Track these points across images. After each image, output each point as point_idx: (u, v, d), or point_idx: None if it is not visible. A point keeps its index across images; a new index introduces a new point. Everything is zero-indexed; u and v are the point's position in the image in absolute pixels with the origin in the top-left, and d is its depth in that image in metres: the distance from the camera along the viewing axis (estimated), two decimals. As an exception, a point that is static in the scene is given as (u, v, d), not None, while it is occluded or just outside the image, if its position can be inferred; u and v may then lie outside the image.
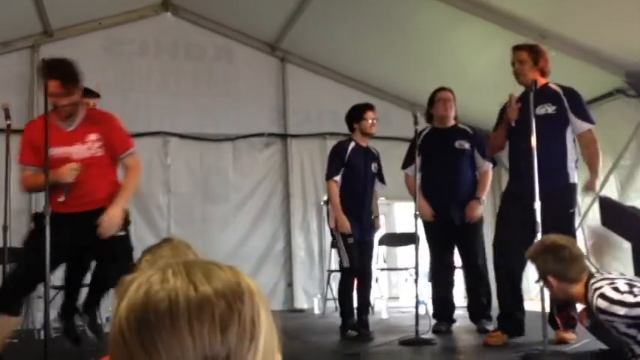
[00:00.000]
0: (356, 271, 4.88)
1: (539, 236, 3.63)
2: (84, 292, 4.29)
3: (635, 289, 2.70)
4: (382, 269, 6.95)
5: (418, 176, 4.92)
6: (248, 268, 6.55)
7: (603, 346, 3.34)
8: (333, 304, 6.48)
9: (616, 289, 2.73)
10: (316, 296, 6.91)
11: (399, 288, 8.04)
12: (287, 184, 7.39)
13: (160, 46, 7.15)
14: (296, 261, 7.24)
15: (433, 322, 4.95)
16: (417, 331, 4.30)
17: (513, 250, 4.18)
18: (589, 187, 4.19)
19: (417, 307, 4.43)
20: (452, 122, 5.16)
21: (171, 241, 1.90)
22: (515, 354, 3.75)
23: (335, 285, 5.72)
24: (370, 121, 5.02)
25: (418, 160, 4.93)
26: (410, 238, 5.44)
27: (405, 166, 5.18)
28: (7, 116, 4.29)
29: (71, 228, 3.64)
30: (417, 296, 4.53)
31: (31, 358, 4.05)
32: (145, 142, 6.36)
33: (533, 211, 3.80)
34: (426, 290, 5.73)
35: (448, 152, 5.03)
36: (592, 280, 2.87)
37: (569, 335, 4.09)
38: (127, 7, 6.93)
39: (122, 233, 3.78)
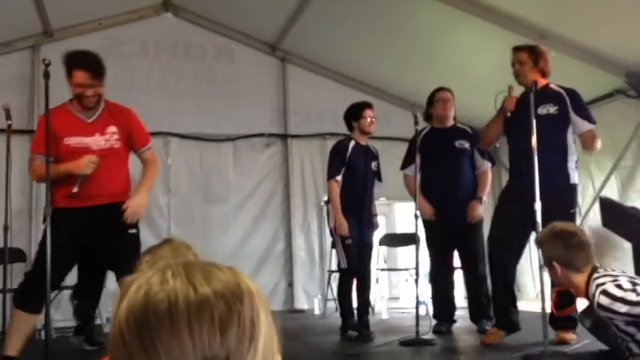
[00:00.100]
0: (355, 272, 4.88)
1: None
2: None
3: (638, 288, 2.70)
4: (382, 270, 6.95)
5: (418, 176, 4.92)
6: (248, 269, 6.56)
7: (604, 347, 3.34)
8: (333, 305, 6.48)
9: (619, 287, 2.73)
10: (317, 297, 6.91)
11: (400, 288, 8.03)
12: (287, 184, 7.39)
13: (161, 46, 7.15)
14: (296, 261, 7.24)
15: (433, 322, 4.95)
16: (417, 332, 4.30)
17: (507, 247, 4.19)
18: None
19: (417, 308, 4.43)
20: (451, 122, 5.16)
21: (172, 241, 1.90)
22: (515, 354, 3.75)
23: (335, 285, 5.72)
24: (369, 120, 5.02)
25: (418, 159, 4.93)
26: (410, 239, 5.44)
27: (404, 166, 5.18)
28: (8, 116, 4.30)
29: (82, 223, 3.66)
30: (417, 297, 4.53)
31: (31, 359, 4.04)
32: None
33: (532, 211, 3.80)
34: (426, 291, 5.73)
35: (448, 152, 5.03)
36: (595, 275, 2.87)
37: (569, 336, 4.08)
38: (127, 8, 6.93)
39: (133, 231, 3.80)
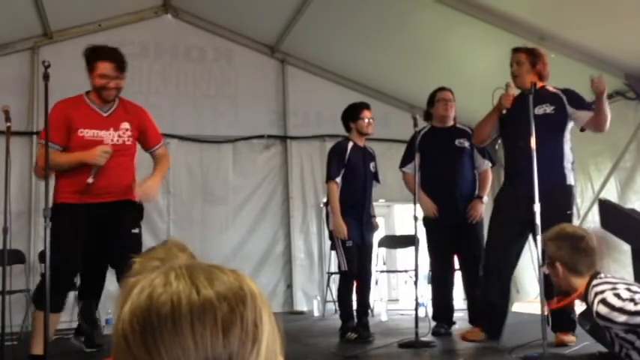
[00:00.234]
0: (355, 274, 4.88)
1: (538, 238, 3.63)
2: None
3: (637, 297, 2.69)
4: (382, 271, 6.94)
5: (418, 175, 4.92)
6: (248, 270, 6.54)
7: (603, 349, 3.34)
8: (332, 307, 6.48)
9: (617, 296, 2.72)
10: (316, 298, 6.91)
11: (399, 290, 8.03)
12: (287, 186, 7.39)
13: (160, 47, 7.16)
14: (295, 263, 7.24)
15: (433, 324, 4.94)
16: (416, 334, 4.30)
17: (506, 250, 4.17)
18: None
19: (416, 310, 4.43)
20: (451, 122, 5.17)
21: (166, 243, 1.90)
22: (514, 356, 3.75)
23: (334, 287, 5.72)
24: (367, 121, 5.02)
25: (417, 158, 4.93)
26: (409, 240, 5.44)
27: (403, 164, 5.16)
28: (7, 118, 4.30)
29: (89, 220, 3.67)
30: (416, 298, 4.53)
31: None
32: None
33: (530, 212, 3.81)
34: (425, 292, 5.73)
35: (449, 150, 5.03)
36: (595, 281, 2.86)
37: (568, 338, 4.08)
38: (126, 9, 6.93)
39: (136, 231, 3.81)
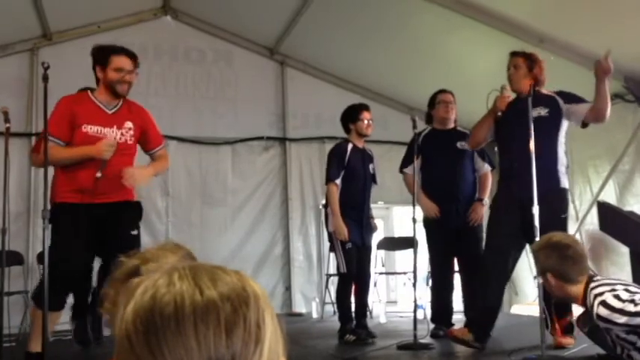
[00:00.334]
0: (354, 276, 4.87)
1: (537, 239, 3.63)
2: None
3: (637, 298, 2.69)
4: (380, 273, 6.94)
5: (418, 177, 4.91)
6: (246, 272, 6.55)
7: (601, 351, 3.34)
8: (331, 308, 6.48)
9: (617, 297, 2.72)
10: (314, 300, 6.91)
11: (398, 292, 8.03)
12: (286, 187, 7.39)
13: (160, 49, 7.16)
14: (294, 265, 7.24)
15: (431, 326, 4.94)
16: (415, 336, 4.30)
17: (504, 254, 4.14)
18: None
19: (415, 312, 4.43)
20: (452, 124, 5.17)
21: (164, 244, 1.89)
22: (513, 358, 3.75)
23: (333, 289, 5.71)
24: (366, 122, 5.02)
25: (419, 160, 4.93)
26: (408, 243, 5.44)
27: (404, 165, 5.15)
28: (6, 119, 4.30)
29: (90, 221, 3.66)
30: (415, 300, 4.53)
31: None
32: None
33: (524, 215, 3.82)
34: (424, 295, 5.72)
35: (449, 152, 5.03)
36: (592, 284, 2.87)
37: (567, 340, 4.08)
38: (126, 11, 6.94)
39: (135, 232, 3.81)
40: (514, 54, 4.32)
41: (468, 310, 5.04)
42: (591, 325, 3.02)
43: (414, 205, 4.65)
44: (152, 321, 0.68)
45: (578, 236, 5.95)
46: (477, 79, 6.13)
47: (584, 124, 4.21)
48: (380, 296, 6.83)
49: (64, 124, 3.71)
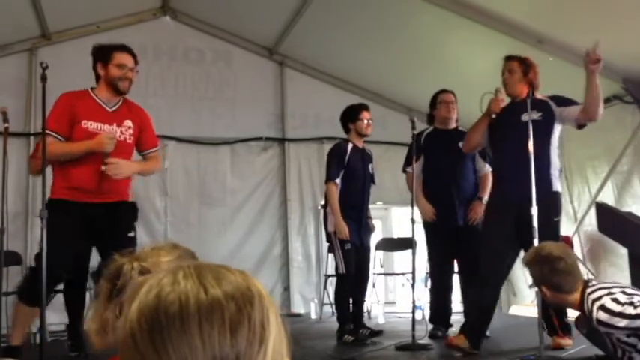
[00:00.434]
0: (353, 276, 4.87)
1: (535, 242, 3.63)
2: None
3: (635, 300, 2.69)
4: (379, 274, 6.94)
5: (420, 177, 4.90)
6: (245, 272, 6.55)
7: (599, 352, 3.34)
8: (329, 309, 6.48)
9: (615, 300, 2.72)
10: (313, 301, 6.90)
11: (396, 293, 8.03)
12: (284, 188, 7.39)
13: (159, 49, 7.15)
14: (293, 265, 7.24)
15: (430, 326, 4.94)
16: (413, 336, 4.30)
17: (499, 259, 4.13)
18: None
19: (413, 312, 4.43)
20: (454, 124, 5.17)
21: (160, 244, 1.88)
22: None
23: (332, 289, 5.72)
24: (366, 122, 5.02)
25: (421, 160, 4.93)
26: (407, 243, 5.45)
27: (407, 164, 5.14)
28: (5, 119, 4.29)
29: (87, 220, 3.65)
30: (413, 301, 4.53)
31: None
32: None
33: (521, 217, 3.83)
34: (422, 295, 5.72)
35: (451, 152, 5.01)
36: (588, 290, 2.86)
37: (565, 341, 4.08)
38: (125, 11, 6.93)
39: (132, 234, 3.81)
40: (509, 58, 4.33)
41: (466, 313, 5.04)
42: (589, 325, 3.02)
43: (412, 206, 4.65)
44: (157, 319, 0.68)
45: (576, 237, 5.96)
46: (475, 80, 6.13)
47: (580, 126, 4.21)
48: (378, 297, 6.83)
49: (64, 120, 3.71)
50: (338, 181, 4.91)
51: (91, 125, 3.73)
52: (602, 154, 5.78)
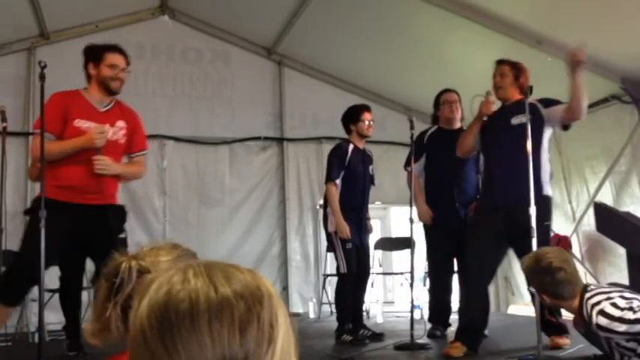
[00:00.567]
0: (354, 276, 4.88)
1: (534, 242, 3.63)
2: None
3: (635, 305, 2.69)
4: (377, 273, 6.94)
5: (421, 177, 4.89)
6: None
7: (598, 352, 3.35)
8: (328, 309, 6.49)
9: (615, 305, 2.72)
10: (311, 300, 6.90)
11: (395, 292, 8.03)
12: (283, 187, 7.39)
13: (157, 49, 7.15)
14: (291, 265, 7.24)
15: (428, 326, 4.94)
16: (412, 336, 4.30)
17: (486, 262, 4.13)
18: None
19: (412, 312, 4.43)
20: (458, 124, 5.15)
21: (160, 244, 1.88)
22: (509, 359, 3.76)
23: (330, 289, 5.72)
24: (367, 123, 5.02)
25: (423, 160, 4.92)
26: (405, 243, 5.44)
27: (408, 163, 5.13)
28: (3, 119, 4.30)
29: (77, 222, 3.64)
30: (412, 301, 4.53)
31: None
32: (141, 145, 6.35)
33: (507, 222, 3.84)
34: (421, 295, 5.73)
35: (454, 153, 5.01)
36: (587, 295, 2.86)
37: (563, 341, 4.09)
38: (123, 10, 6.93)
39: (123, 235, 3.80)
40: (500, 62, 4.34)
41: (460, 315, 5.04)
42: (588, 326, 3.02)
43: (411, 206, 4.66)
44: (167, 317, 0.69)
45: (575, 237, 5.96)
46: (474, 80, 6.13)
47: (565, 126, 4.21)
48: (377, 296, 6.83)
49: (57, 119, 3.69)
50: (338, 181, 4.91)
51: (83, 124, 3.72)
52: (600, 154, 5.78)
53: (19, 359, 3.95)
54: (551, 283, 2.94)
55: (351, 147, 5.01)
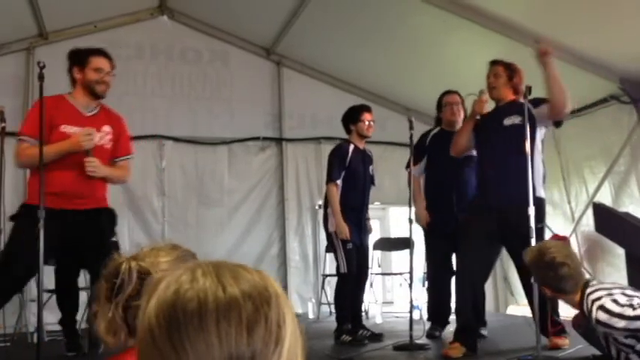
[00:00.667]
0: (353, 277, 4.88)
1: (533, 242, 3.63)
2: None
3: (635, 302, 2.70)
4: (376, 274, 6.94)
5: (422, 178, 4.89)
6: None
7: (596, 352, 3.35)
8: (327, 309, 6.49)
9: (615, 302, 2.73)
10: (310, 300, 6.90)
11: (394, 293, 8.04)
12: (282, 188, 7.39)
13: (156, 49, 7.15)
14: (290, 265, 7.24)
15: (428, 325, 4.94)
16: (411, 336, 4.31)
17: (479, 263, 4.13)
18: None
19: (411, 312, 4.43)
20: (460, 126, 5.15)
21: (159, 244, 1.88)
22: None
23: (329, 289, 5.71)
24: (367, 123, 5.02)
25: (424, 161, 4.91)
26: (404, 243, 5.44)
27: (409, 165, 5.13)
28: (2, 119, 4.29)
29: (65, 228, 3.62)
30: (411, 301, 4.54)
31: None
32: (140, 145, 6.32)
33: (500, 223, 3.84)
34: (420, 295, 5.72)
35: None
36: (588, 290, 2.87)
37: (562, 341, 4.09)
38: (122, 10, 6.92)
39: (114, 239, 3.80)
40: (494, 62, 4.34)
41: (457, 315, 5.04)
42: (586, 325, 3.02)
43: (410, 206, 4.65)
44: (175, 316, 0.69)
45: (573, 237, 5.96)
46: (473, 80, 6.13)
47: (556, 123, 4.21)
48: (376, 297, 6.83)
49: (38, 124, 3.67)
50: (339, 182, 4.91)
51: (69, 129, 3.70)
52: (599, 154, 5.78)
53: (18, 359, 3.95)
54: (554, 278, 2.96)
55: (351, 147, 5.01)
